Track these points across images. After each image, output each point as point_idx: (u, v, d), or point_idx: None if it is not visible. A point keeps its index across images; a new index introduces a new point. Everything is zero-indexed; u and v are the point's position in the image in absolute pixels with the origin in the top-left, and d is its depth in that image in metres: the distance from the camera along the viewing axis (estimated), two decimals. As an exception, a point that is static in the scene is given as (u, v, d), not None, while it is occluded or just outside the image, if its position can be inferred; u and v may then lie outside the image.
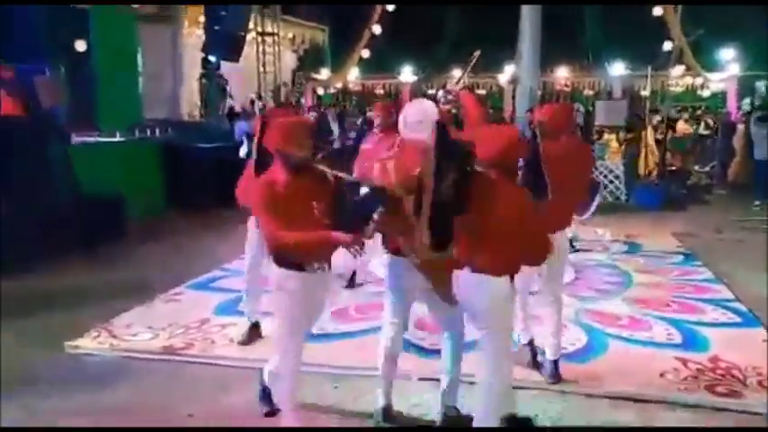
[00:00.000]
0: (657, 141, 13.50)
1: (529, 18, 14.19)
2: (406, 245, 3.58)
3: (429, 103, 3.82)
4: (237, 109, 15.36)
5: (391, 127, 5.76)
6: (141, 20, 13.00)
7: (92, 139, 10.30)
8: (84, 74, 11.07)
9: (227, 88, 16.37)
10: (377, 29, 20.80)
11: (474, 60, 5.01)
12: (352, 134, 12.53)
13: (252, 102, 16.29)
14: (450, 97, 4.84)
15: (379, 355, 3.91)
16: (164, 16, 14.81)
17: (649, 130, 13.39)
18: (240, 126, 11.92)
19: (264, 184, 3.48)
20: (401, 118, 3.79)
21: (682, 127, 15.25)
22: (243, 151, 7.02)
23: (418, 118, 3.68)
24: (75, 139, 9.79)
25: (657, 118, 14.61)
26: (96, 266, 7.49)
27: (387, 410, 3.92)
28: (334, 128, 12.23)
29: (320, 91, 22.36)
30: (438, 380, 3.92)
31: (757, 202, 11.72)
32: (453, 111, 4.75)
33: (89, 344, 5.21)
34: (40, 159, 8.18)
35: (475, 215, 3.36)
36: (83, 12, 11.06)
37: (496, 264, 3.37)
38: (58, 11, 10.31)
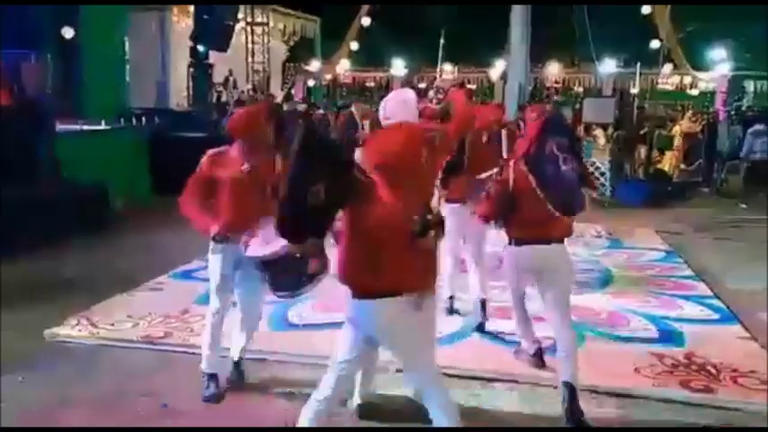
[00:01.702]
0: (642, 137, 13.60)
1: (519, 14, 14.21)
2: None
3: (409, 91, 3.86)
4: (224, 98, 15.29)
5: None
6: (129, 8, 12.91)
7: (77, 127, 10.23)
8: (71, 61, 10.98)
9: (230, 78, 16.29)
10: (366, 21, 20.80)
11: (441, 48, 5.06)
12: None
13: (243, 91, 16.24)
14: (440, 96, 4.88)
15: None
16: (152, 5, 14.74)
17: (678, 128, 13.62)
18: None
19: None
20: (382, 105, 3.84)
21: (687, 125, 15.30)
22: None
23: (398, 103, 3.73)
24: (60, 126, 9.71)
25: (689, 113, 14.86)
26: (79, 255, 7.44)
27: (362, 406, 3.93)
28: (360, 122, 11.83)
29: (311, 83, 22.31)
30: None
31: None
32: (442, 105, 4.78)
33: (69, 332, 5.19)
34: (23, 146, 8.12)
35: None
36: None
37: None
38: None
